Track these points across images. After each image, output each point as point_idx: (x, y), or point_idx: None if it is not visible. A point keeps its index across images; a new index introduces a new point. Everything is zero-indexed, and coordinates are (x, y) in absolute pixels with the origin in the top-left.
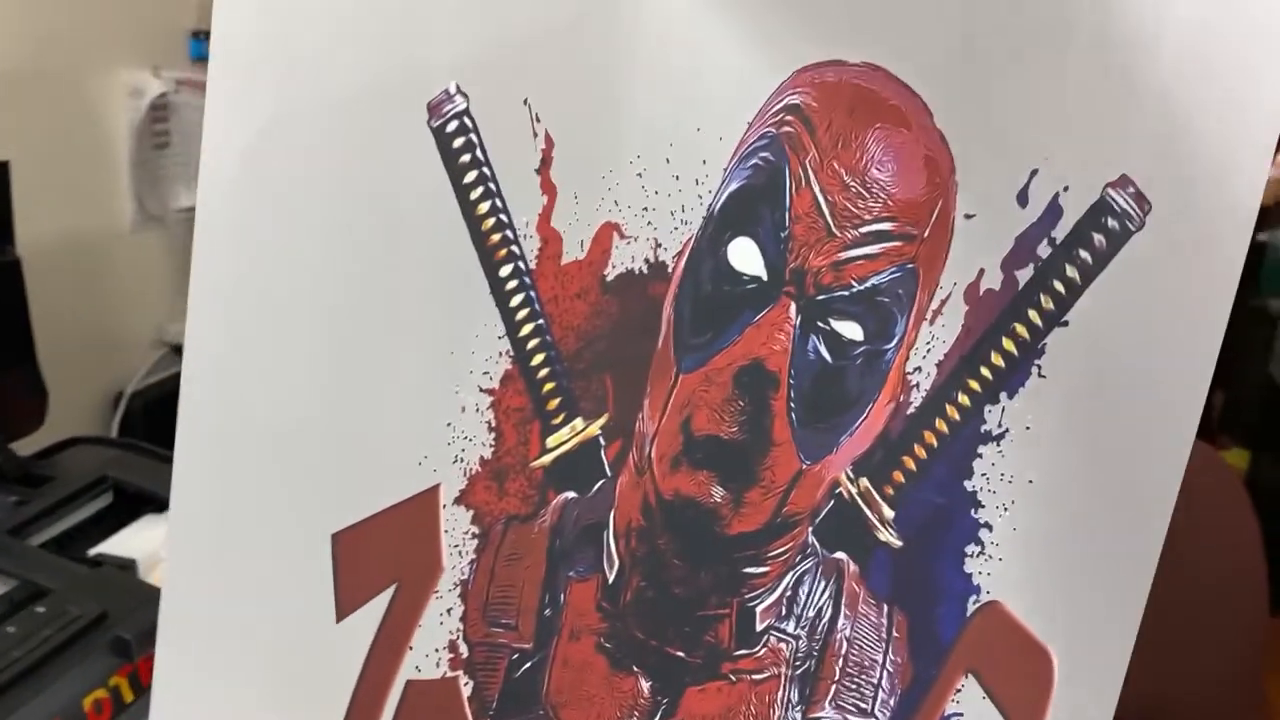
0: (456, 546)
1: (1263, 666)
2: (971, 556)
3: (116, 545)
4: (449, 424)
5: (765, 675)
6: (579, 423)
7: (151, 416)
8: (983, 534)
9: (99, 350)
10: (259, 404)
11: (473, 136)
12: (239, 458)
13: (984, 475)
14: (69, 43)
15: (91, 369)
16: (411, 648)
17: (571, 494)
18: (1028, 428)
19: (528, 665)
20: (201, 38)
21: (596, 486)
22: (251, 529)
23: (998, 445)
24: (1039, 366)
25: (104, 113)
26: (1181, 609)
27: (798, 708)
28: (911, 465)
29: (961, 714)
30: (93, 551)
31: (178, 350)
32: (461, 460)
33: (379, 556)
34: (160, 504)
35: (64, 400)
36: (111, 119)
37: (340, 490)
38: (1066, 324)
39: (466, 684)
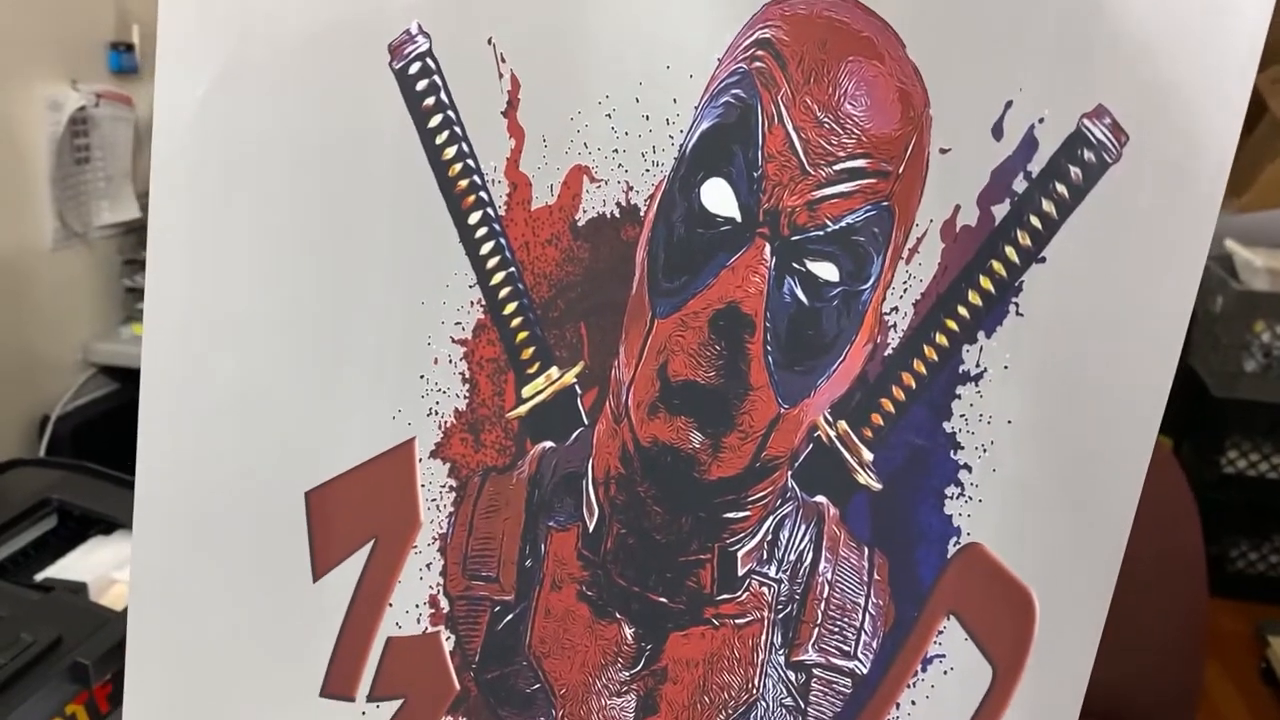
0: (434, 500)
1: (1202, 651)
2: (951, 498)
3: (65, 569)
4: (422, 376)
5: (748, 619)
6: (554, 371)
7: (80, 439)
8: (962, 475)
9: (23, 372)
10: (224, 363)
11: (436, 79)
12: (205, 420)
13: (963, 416)
14: None
15: (15, 392)
16: (391, 604)
17: (549, 444)
18: (1006, 367)
19: (509, 617)
20: (121, 49)
21: (574, 435)
22: (222, 491)
23: (976, 385)
24: (1016, 304)
25: (22, 127)
26: (1118, 587)
27: (781, 651)
28: (890, 407)
29: (944, 655)
30: (40, 576)
31: (105, 371)
32: (436, 413)
33: (355, 513)
34: (107, 525)
35: None
36: (30, 134)
37: (312, 448)
38: (1044, 260)
39: (448, 639)
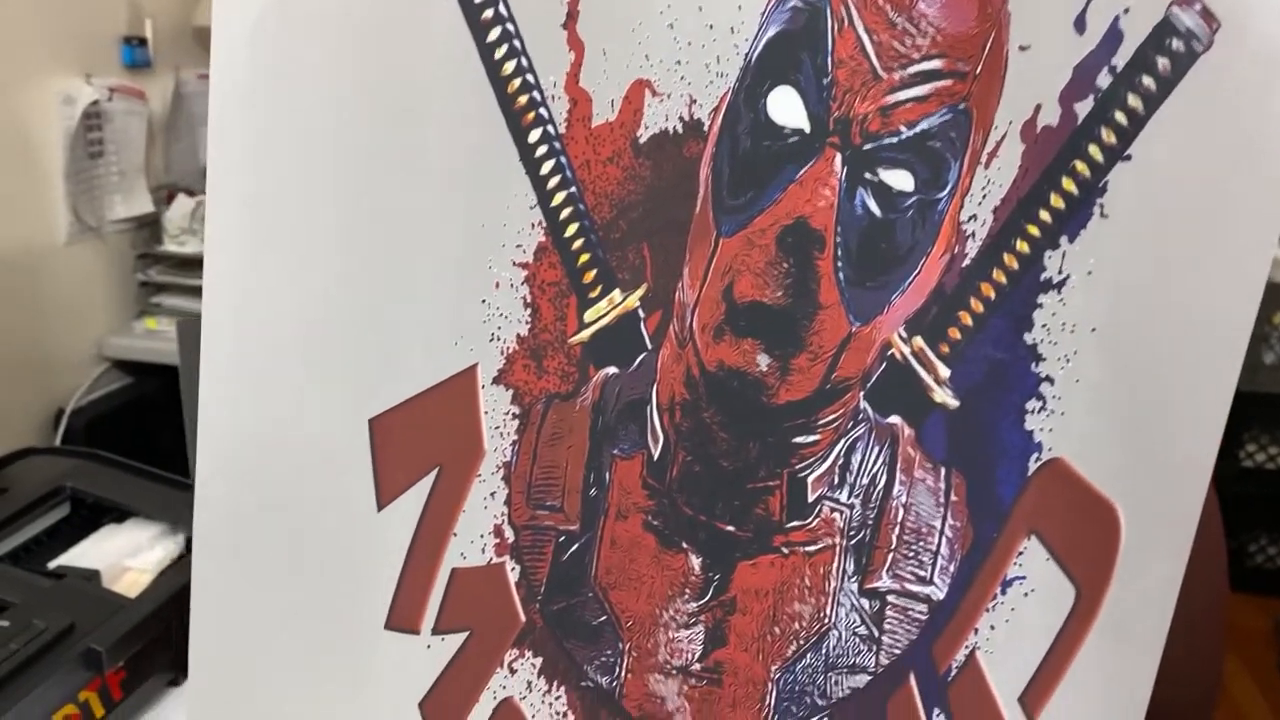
0: (497, 428)
1: (1223, 647)
2: (1032, 412)
3: (77, 557)
4: (484, 301)
5: (819, 547)
6: (617, 295)
7: (94, 433)
8: (1044, 388)
9: (37, 367)
10: (284, 291)
11: None
12: (266, 349)
13: (1044, 326)
14: None
15: (30, 386)
16: (455, 534)
17: (612, 369)
18: (1090, 272)
19: (575, 547)
20: (133, 44)
21: (638, 360)
22: (284, 420)
23: (1059, 293)
24: (1101, 205)
25: (35, 122)
26: None
27: (854, 578)
28: (968, 320)
29: (1024, 577)
30: (53, 564)
31: (119, 365)
32: (498, 338)
33: (419, 441)
34: (120, 513)
35: (2, 419)
36: (43, 128)
37: (375, 375)
38: (1129, 158)
39: (513, 569)
